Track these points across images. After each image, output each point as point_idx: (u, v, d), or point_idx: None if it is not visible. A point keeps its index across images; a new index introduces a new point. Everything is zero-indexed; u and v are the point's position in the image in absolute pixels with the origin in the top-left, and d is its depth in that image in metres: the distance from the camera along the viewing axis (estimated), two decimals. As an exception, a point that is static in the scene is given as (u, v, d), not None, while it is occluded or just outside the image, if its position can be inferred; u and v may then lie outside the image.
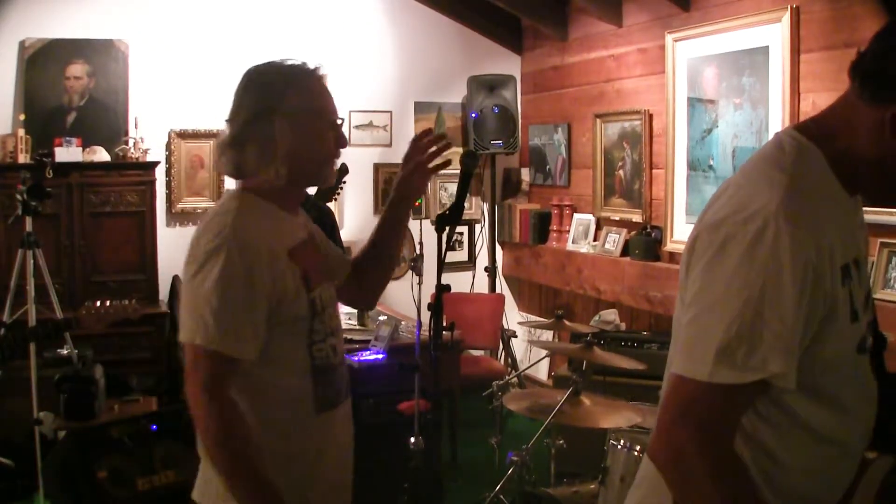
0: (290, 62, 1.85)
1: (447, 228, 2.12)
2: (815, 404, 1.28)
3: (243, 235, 1.71)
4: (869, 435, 1.39)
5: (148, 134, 5.25)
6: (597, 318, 5.09)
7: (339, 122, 1.88)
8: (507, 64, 6.31)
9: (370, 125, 6.00)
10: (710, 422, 1.20)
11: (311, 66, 1.85)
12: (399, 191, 2.04)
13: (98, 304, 3.19)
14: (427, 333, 2.41)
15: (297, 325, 1.79)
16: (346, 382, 1.93)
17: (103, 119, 5.22)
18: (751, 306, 1.18)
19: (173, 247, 5.37)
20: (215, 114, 5.46)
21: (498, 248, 6.34)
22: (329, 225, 3.84)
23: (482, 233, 6.32)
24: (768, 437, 1.29)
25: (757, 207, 1.22)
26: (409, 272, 4.52)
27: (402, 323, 4.75)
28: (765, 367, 1.18)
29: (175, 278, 5.40)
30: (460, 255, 6.27)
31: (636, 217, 5.06)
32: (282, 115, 1.77)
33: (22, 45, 5.09)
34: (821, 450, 1.30)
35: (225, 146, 1.82)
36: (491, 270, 6.16)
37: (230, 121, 1.82)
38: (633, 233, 5.06)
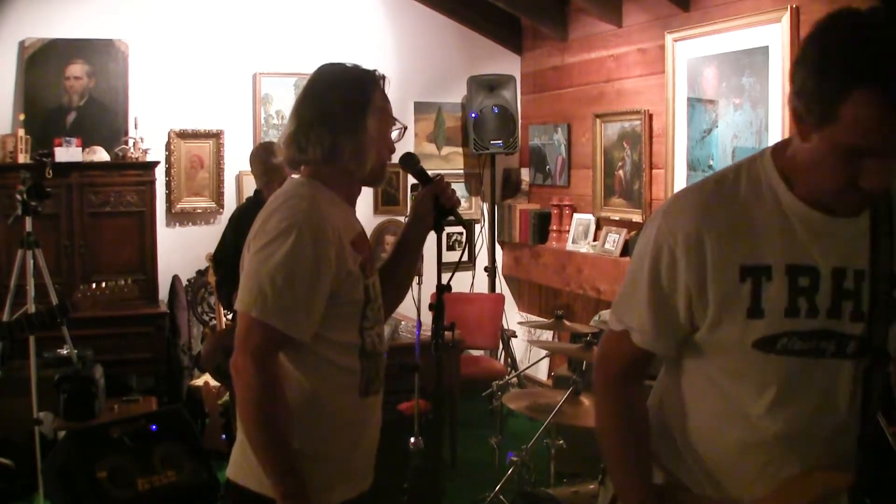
0: (361, 66, 1.95)
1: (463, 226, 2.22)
2: (725, 378, 1.51)
3: (316, 219, 1.77)
4: (811, 438, 1.46)
5: (148, 134, 5.25)
6: (597, 318, 5.08)
7: (403, 128, 1.99)
8: (507, 64, 6.31)
9: (370, 125, 5.99)
10: (606, 355, 1.67)
11: (380, 72, 1.97)
12: (414, 211, 2.12)
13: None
14: (427, 333, 2.42)
15: (353, 308, 1.85)
16: (384, 372, 1.98)
17: (103, 119, 5.22)
18: (627, 280, 1.58)
19: (173, 247, 5.38)
20: (215, 114, 5.52)
21: (498, 247, 6.35)
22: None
23: (482, 233, 6.32)
24: (686, 392, 1.61)
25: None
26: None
27: (402, 323, 4.75)
28: (623, 321, 1.58)
29: (175, 278, 5.40)
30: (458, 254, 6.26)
31: (636, 217, 5.06)
32: (371, 112, 1.87)
33: (22, 45, 5.09)
34: (725, 422, 1.51)
35: (309, 133, 1.85)
36: (491, 270, 6.16)
37: (305, 110, 1.87)
38: (632, 233, 5.05)
